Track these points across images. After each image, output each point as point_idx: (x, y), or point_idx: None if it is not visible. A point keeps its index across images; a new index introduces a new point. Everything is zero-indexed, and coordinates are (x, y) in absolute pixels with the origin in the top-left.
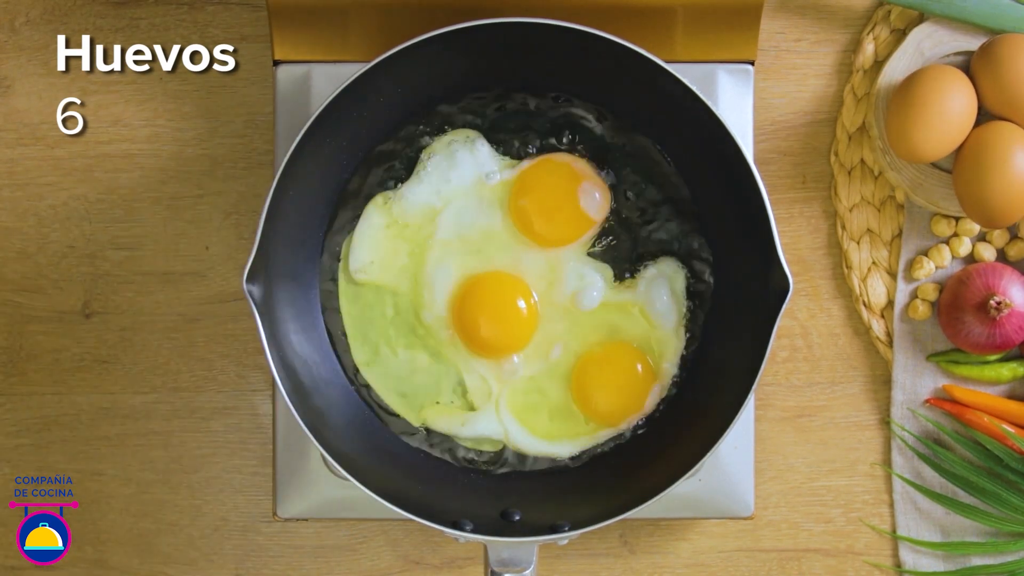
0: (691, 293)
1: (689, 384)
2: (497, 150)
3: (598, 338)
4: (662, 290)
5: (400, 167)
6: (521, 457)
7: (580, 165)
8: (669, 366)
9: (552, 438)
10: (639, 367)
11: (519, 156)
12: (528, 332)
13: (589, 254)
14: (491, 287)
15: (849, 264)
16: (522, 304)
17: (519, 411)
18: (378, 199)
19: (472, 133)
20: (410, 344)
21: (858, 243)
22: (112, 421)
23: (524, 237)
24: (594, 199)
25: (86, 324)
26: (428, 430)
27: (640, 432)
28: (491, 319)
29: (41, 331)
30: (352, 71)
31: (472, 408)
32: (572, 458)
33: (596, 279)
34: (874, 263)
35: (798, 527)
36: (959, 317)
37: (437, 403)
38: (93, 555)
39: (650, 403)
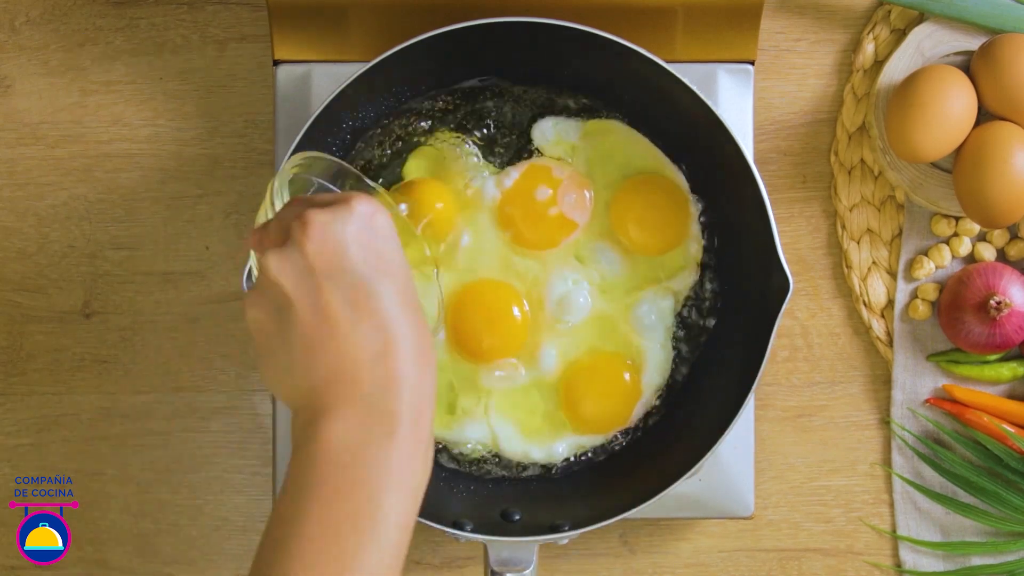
0: (694, 297)
1: (689, 385)
2: (488, 158)
3: (587, 346)
4: (651, 305)
5: (395, 169)
6: (514, 463)
7: (564, 170)
8: (657, 379)
9: (541, 443)
10: (627, 377)
11: (511, 154)
12: (520, 336)
13: (578, 258)
14: (483, 293)
15: (849, 264)
16: (515, 310)
17: (508, 417)
18: None
19: (460, 137)
20: None
21: (858, 243)
22: (112, 421)
23: (512, 241)
24: (578, 202)
25: (86, 324)
26: None
27: (640, 433)
28: (484, 324)
29: (41, 331)
30: (352, 71)
31: (465, 413)
32: (562, 464)
33: (583, 285)
34: (874, 263)
35: (798, 527)
36: (959, 317)
37: None
38: (93, 555)
39: (635, 416)
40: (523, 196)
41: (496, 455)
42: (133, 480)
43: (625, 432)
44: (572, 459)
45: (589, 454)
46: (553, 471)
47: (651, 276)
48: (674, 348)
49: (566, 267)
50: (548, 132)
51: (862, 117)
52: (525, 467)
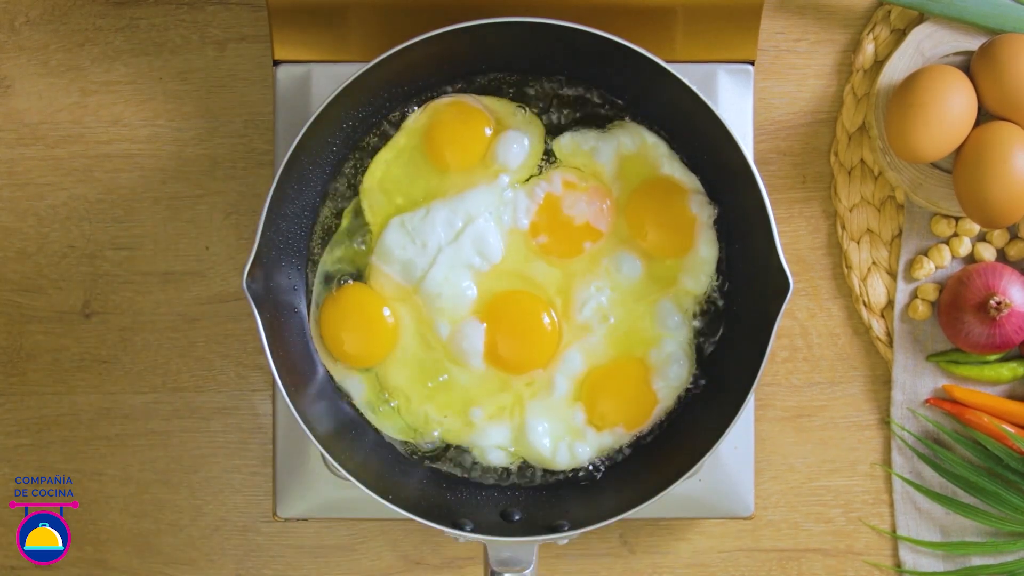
0: (708, 300)
1: (690, 384)
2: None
3: (611, 351)
4: (672, 308)
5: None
6: (528, 471)
7: (587, 180)
8: (678, 381)
9: (567, 444)
10: (648, 380)
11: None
12: (552, 346)
13: (600, 265)
14: (514, 304)
15: (849, 264)
16: (545, 319)
17: (538, 419)
18: (395, 220)
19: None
20: (422, 360)
21: (858, 243)
22: (112, 421)
23: (539, 251)
24: (602, 211)
25: (86, 324)
26: (434, 448)
27: (649, 436)
28: (518, 336)
29: (41, 331)
30: (352, 71)
31: (490, 419)
32: (585, 469)
33: (606, 291)
34: (874, 263)
35: (798, 527)
36: (959, 317)
37: (442, 424)
38: (93, 555)
39: (653, 419)
40: (551, 207)
41: (512, 467)
42: (133, 480)
43: (638, 435)
44: (585, 467)
45: (606, 457)
46: (566, 473)
47: (670, 280)
48: (694, 349)
49: (589, 274)
50: (567, 144)
51: (862, 117)
52: (538, 474)
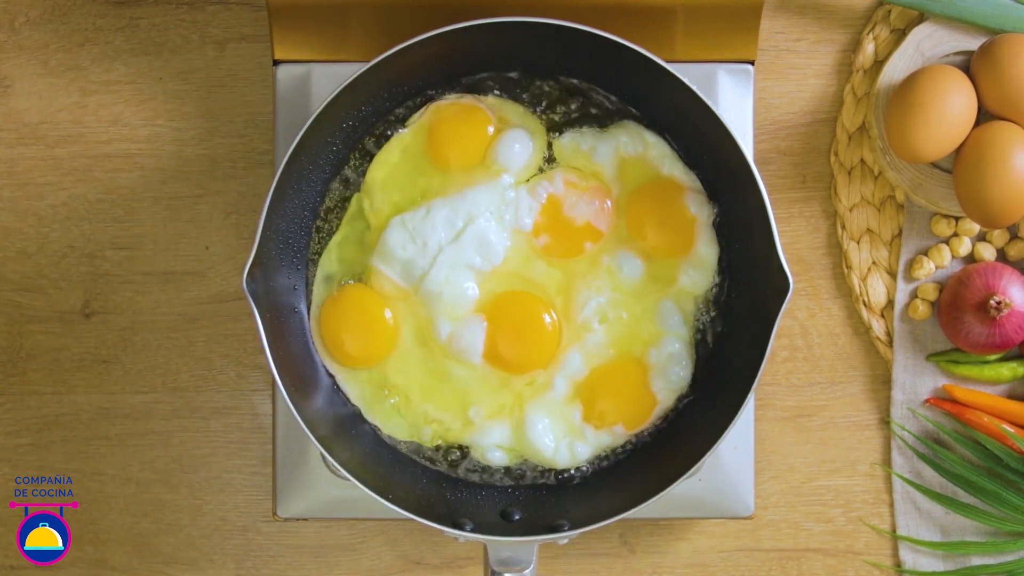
0: (709, 299)
1: (690, 384)
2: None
3: (611, 351)
4: (673, 308)
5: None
6: (528, 470)
7: (587, 180)
8: (679, 382)
9: (567, 443)
10: (648, 380)
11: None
12: (553, 346)
13: (600, 265)
14: (516, 304)
15: (849, 264)
16: (546, 319)
17: (538, 415)
18: (396, 219)
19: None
20: (422, 359)
21: (858, 243)
22: (112, 421)
23: (541, 251)
24: (602, 211)
25: (86, 324)
26: (428, 446)
27: (649, 435)
28: (518, 335)
29: (41, 331)
30: (352, 71)
31: (489, 417)
32: (578, 467)
33: (606, 291)
34: (874, 263)
35: (798, 527)
36: (959, 317)
37: (442, 423)
38: (93, 555)
39: (654, 418)
40: (553, 207)
41: (512, 466)
42: (133, 480)
43: (638, 433)
44: (582, 465)
45: (605, 456)
46: (563, 472)
47: (670, 280)
48: (694, 349)
49: (590, 274)
50: (567, 144)
51: (862, 117)
52: (532, 475)
